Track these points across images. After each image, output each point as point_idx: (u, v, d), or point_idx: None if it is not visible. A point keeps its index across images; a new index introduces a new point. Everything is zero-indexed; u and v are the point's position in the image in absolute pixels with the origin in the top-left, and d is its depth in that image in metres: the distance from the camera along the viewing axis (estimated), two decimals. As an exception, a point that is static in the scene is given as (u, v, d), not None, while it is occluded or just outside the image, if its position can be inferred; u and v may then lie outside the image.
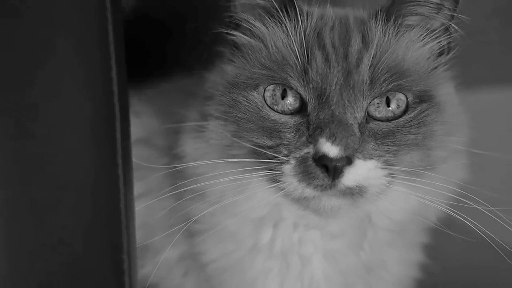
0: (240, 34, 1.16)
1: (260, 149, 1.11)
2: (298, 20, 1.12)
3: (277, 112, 1.12)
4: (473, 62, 1.33)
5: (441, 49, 1.16)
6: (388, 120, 1.11)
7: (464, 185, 1.16)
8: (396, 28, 1.13)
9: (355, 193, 1.08)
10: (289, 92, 1.12)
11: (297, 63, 1.11)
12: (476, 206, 1.12)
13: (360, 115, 1.09)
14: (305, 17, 1.13)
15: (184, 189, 1.15)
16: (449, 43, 1.16)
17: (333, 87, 1.09)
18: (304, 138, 1.09)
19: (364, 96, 1.10)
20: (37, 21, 0.94)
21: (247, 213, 1.17)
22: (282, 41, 1.13)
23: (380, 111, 1.11)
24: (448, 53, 1.17)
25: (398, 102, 1.12)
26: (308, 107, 1.10)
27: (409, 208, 1.16)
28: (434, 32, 1.15)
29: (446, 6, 1.14)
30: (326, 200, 1.10)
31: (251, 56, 1.15)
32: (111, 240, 1.01)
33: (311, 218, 1.16)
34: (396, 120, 1.11)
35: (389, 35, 1.13)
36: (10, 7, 0.94)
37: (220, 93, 1.16)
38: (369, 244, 1.20)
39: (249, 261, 1.21)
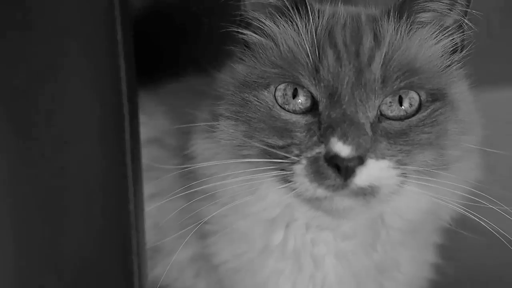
0: (251, 33, 1.15)
1: (271, 149, 1.10)
2: (309, 19, 1.11)
3: (288, 111, 1.11)
4: (487, 61, 1.32)
5: (454, 47, 1.15)
6: (400, 119, 1.10)
7: (478, 185, 1.15)
8: (408, 26, 1.12)
9: (368, 193, 1.07)
10: (300, 91, 1.11)
11: (308, 61, 1.10)
12: (491, 206, 1.11)
13: (372, 114, 1.08)
14: (317, 15, 1.12)
15: (195, 189, 1.15)
16: (462, 40, 1.15)
17: (345, 86, 1.08)
18: (315, 138, 1.08)
19: (376, 95, 1.08)
20: (45, 21, 0.94)
21: (259, 214, 1.16)
22: (293, 40, 1.12)
23: (393, 109, 1.10)
24: (461, 51, 1.15)
25: (410, 100, 1.10)
26: (320, 106, 1.09)
27: (423, 208, 1.15)
28: (447, 29, 1.14)
29: (459, 2, 1.12)
30: (338, 201, 1.09)
31: (262, 55, 1.14)
32: (120, 241, 1.01)
33: (323, 219, 1.15)
34: (409, 119, 1.10)
35: (401, 32, 1.12)
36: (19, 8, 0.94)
37: (231, 93, 1.15)
38: (382, 245, 1.19)
39: (261, 262, 1.20)
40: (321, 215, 1.14)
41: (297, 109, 1.11)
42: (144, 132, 1.29)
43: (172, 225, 1.22)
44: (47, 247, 0.98)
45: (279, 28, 1.14)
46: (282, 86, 1.12)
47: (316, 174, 1.07)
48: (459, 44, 1.15)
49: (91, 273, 1.00)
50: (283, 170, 1.09)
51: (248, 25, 1.16)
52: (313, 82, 1.09)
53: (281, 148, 1.10)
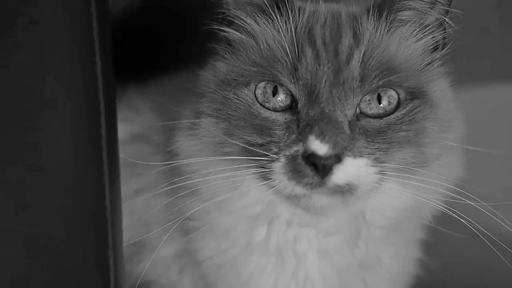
0: (233, 31, 1.16)
1: (251, 147, 1.10)
2: (289, 17, 1.12)
3: (268, 109, 1.11)
4: (471, 58, 1.32)
5: (435, 45, 1.15)
6: (379, 117, 1.10)
7: (459, 182, 1.15)
8: (388, 24, 1.12)
9: (345, 191, 1.07)
10: (280, 89, 1.11)
11: (287, 60, 1.10)
12: (470, 202, 1.11)
13: (350, 112, 1.08)
14: (297, 13, 1.12)
15: (178, 185, 1.15)
16: (443, 38, 1.15)
17: (323, 84, 1.08)
18: (294, 136, 1.08)
19: (355, 93, 1.09)
20: (19, 15, 0.94)
21: (242, 211, 1.17)
22: (273, 38, 1.12)
23: (372, 107, 1.10)
24: (442, 49, 1.15)
25: (389, 98, 1.10)
26: (298, 105, 1.09)
27: (403, 205, 1.15)
28: (428, 27, 1.13)
29: (440, 1, 1.12)
30: (316, 198, 1.09)
31: (242, 53, 1.14)
32: (96, 237, 1.01)
33: (304, 216, 1.16)
34: (388, 117, 1.10)
35: (381, 31, 1.11)
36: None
37: (212, 91, 1.15)
38: (364, 241, 1.19)
39: (244, 258, 1.21)
40: (302, 212, 1.15)
41: (277, 106, 1.11)
42: (131, 128, 1.31)
43: (156, 220, 1.23)
44: (21, 243, 0.99)
45: (260, 26, 1.14)
46: (262, 84, 1.12)
47: (294, 172, 1.07)
48: (440, 42, 1.15)
49: (66, 268, 1.01)
50: (262, 167, 1.10)
51: (230, 23, 1.16)
52: (292, 81, 1.10)
53: (260, 146, 1.10)
